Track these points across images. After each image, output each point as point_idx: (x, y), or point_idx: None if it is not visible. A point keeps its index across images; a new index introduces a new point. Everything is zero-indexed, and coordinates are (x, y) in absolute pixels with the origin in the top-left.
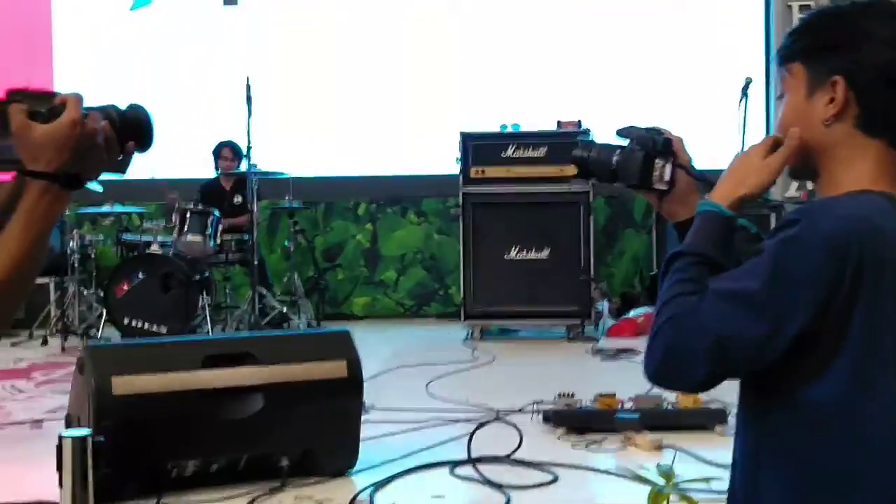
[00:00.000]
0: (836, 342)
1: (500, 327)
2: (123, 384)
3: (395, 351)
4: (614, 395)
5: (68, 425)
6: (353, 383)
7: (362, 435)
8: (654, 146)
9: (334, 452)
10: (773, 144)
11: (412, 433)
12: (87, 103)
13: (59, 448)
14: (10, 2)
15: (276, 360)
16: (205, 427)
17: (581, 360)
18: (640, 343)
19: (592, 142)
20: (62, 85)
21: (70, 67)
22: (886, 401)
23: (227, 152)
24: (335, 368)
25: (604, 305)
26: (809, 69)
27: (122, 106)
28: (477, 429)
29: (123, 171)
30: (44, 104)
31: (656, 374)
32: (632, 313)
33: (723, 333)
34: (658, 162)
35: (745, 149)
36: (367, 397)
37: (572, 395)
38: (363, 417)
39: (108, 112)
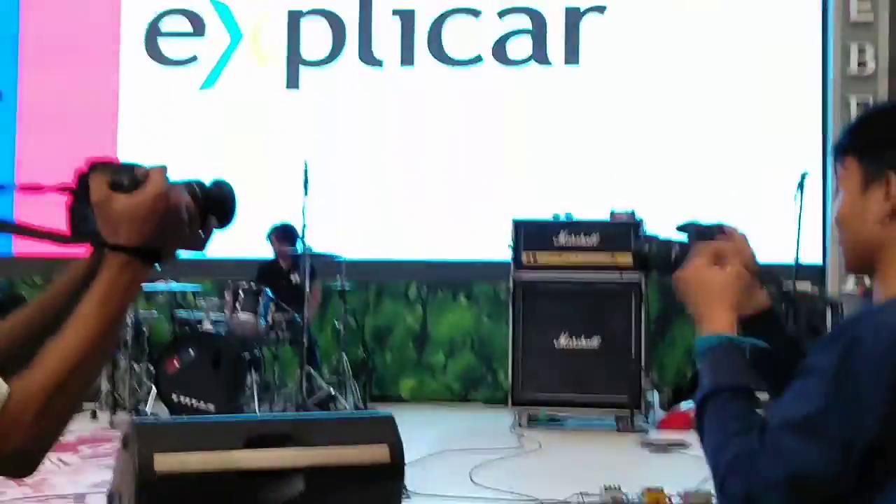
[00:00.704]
0: None
1: (547, 415)
2: (166, 461)
3: (441, 435)
4: (662, 489)
5: (110, 502)
6: (394, 468)
7: None
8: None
9: None
10: (715, 254)
11: None
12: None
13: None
14: (79, 78)
15: (318, 442)
16: None
17: (630, 451)
18: (691, 436)
19: (653, 235)
20: (127, 158)
21: (134, 144)
22: None
23: (275, 238)
24: (377, 453)
25: (654, 396)
26: (864, 164)
27: (206, 180)
28: None
29: (202, 248)
30: (126, 175)
31: None
32: (683, 405)
33: (795, 472)
34: None
35: (686, 270)
36: (409, 482)
37: (619, 488)
38: (404, 503)
39: (192, 187)
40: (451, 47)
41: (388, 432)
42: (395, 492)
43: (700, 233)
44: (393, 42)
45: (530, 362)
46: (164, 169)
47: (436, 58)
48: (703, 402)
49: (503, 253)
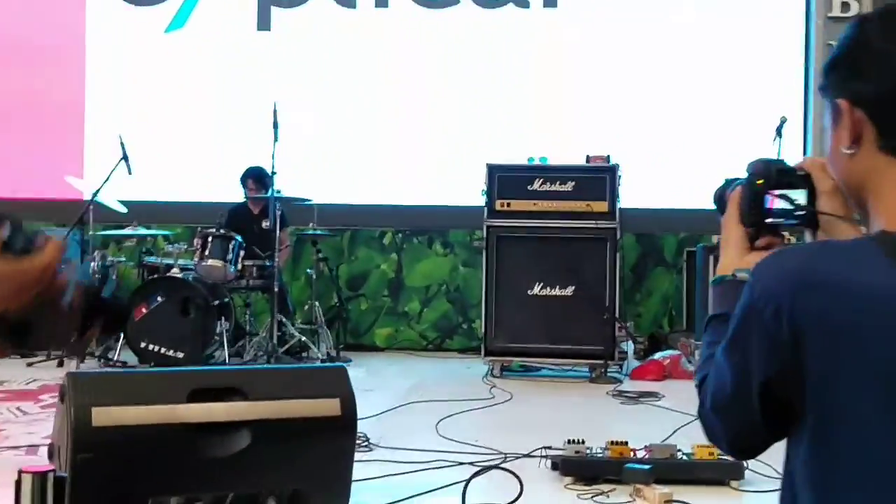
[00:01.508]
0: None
1: (521, 364)
2: (103, 415)
3: (413, 385)
4: (626, 442)
5: (50, 455)
6: (346, 422)
7: (363, 474)
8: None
9: (325, 494)
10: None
11: (414, 475)
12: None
13: (18, 485)
14: (44, 21)
15: (265, 395)
16: (189, 463)
17: (601, 402)
18: (665, 386)
19: (736, 179)
20: (93, 105)
21: (102, 86)
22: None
23: (251, 183)
24: (328, 406)
25: (629, 346)
26: (827, 100)
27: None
28: (474, 476)
29: (75, 353)
30: (22, 238)
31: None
32: (658, 355)
33: (714, 402)
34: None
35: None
36: (375, 433)
37: (582, 442)
38: (367, 455)
39: (86, 287)
40: None
41: (340, 385)
42: (346, 446)
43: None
44: None
45: (503, 311)
46: (63, 245)
47: None
48: (706, 324)
49: (480, 199)
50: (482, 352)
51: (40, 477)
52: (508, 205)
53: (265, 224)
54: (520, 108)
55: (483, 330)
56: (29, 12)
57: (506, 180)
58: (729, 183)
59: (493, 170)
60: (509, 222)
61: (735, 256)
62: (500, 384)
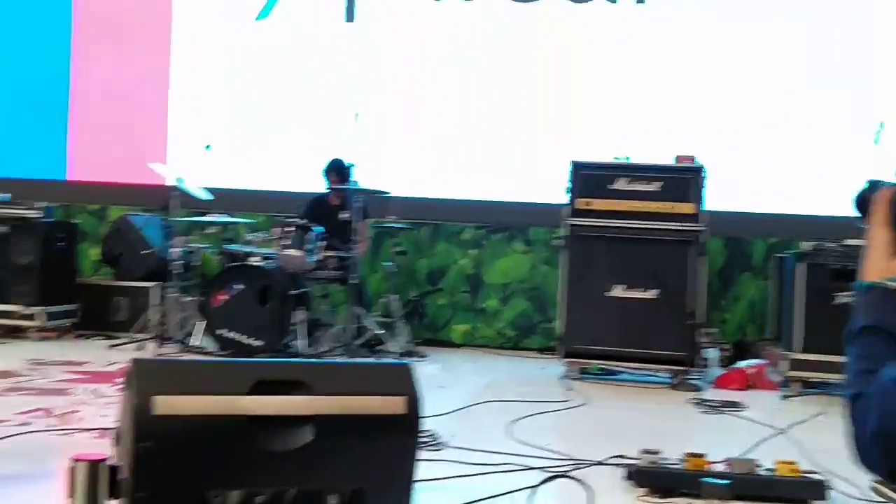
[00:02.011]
0: None
1: (600, 367)
2: (166, 403)
3: (488, 383)
4: (704, 455)
5: (116, 441)
6: (410, 421)
7: (430, 473)
8: None
9: (387, 494)
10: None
11: (481, 477)
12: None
13: (72, 473)
14: (131, 8)
15: (330, 390)
16: (250, 456)
17: (680, 410)
18: (749, 397)
19: (879, 181)
20: (178, 92)
21: (187, 73)
22: None
23: (334, 175)
24: (393, 404)
25: (712, 353)
26: None
27: None
28: (542, 483)
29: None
30: None
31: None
32: (743, 364)
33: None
34: None
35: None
36: (446, 432)
37: (657, 452)
38: (435, 454)
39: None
40: None
41: (406, 383)
42: (410, 446)
43: None
44: None
45: (582, 312)
46: None
47: None
48: (844, 340)
49: (564, 196)
50: (559, 352)
51: (93, 465)
52: (590, 203)
53: (345, 216)
54: (606, 105)
55: (560, 330)
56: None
57: (589, 178)
58: (872, 185)
59: (577, 167)
60: (591, 221)
61: (881, 261)
62: (577, 387)
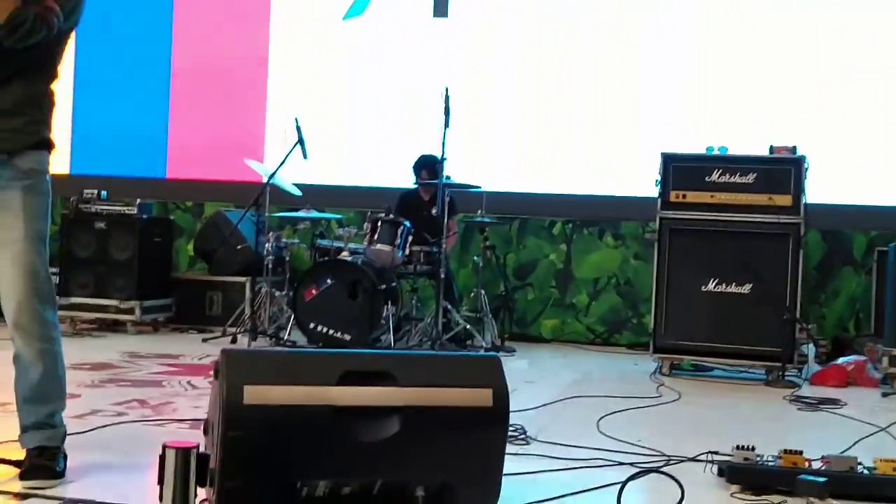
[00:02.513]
0: None
1: (692, 363)
2: (255, 393)
3: (577, 379)
4: (801, 452)
5: (206, 431)
6: (498, 414)
7: (517, 468)
8: None
9: (474, 487)
10: None
11: (570, 472)
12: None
13: (162, 459)
14: (229, 5)
15: (417, 381)
16: (338, 447)
17: (776, 407)
18: (847, 394)
19: None
20: (274, 89)
21: (282, 70)
22: None
23: (424, 172)
24: (480, 396)
25: (810, 349)
26: None
27: None
28: (631, 478)
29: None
30: None
31: None
32: (841, 360)
33: None
34: None
35: None
36: (534, 427)
37: (752, 448)
38: (524, 448)
39: None
40: None
41: (493, 375)
42: (497, 439)
43: None
44: None
45: (675, 307)
46: None
47: None
48: None
49: (654, 190)
50: (651, 348)
51: (183, 452)
52: (684, 196)
53: (434, 211)
54: (697, 95)
55: (653, 326)
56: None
57: (682, 170)
58: None
59: (668, 159)
60: (684, 214)
61: None
62: (668, 383)
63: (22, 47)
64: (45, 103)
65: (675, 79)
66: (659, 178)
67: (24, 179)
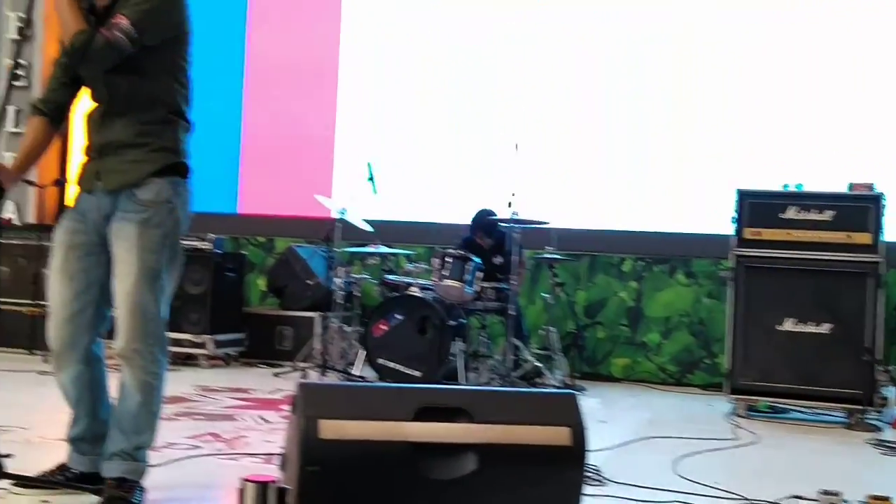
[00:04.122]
0: None
1: (769, 405)
2: (331, 428)
3: (650, 419)
4: (888, 498)
5: (282, 465)
6: (576, 453)
7: None
8: None
9: None
10: None
11: None
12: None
13: (241, 493)
14: (301, 44)
15: (494, 418)
16: (413, 483)
17: (858, 451)
18: None
19: None
20: (344, 126)
21: (352, 107)
22: None
23: (480, 233)
24: (558, 434)
25: (892, 391)
26: None
27: None
28: None
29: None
30: None
31: None
32: None
33: None
34: None
35: None
36: (608, 467)
37: (837, 494)
38: (599, 490)
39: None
40: None
41: (571, 413)
42: (575, 479)
43: None
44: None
45: (751, 347)
46: None
47: None
48: None
49: (727, 227)
50: (726, 389)
51: (262, 487)
52: (759, 233)
53: (497, 260)
54: (772, 130)
55: (728, 365)
56: (288, 37)
57: (757, 207)
58: None
59: (743, 196)
60: (760, 252)
61: None
62: (744, 424)
63: (100, 71)
64: (165, 129)
65: (747, 112)
66: (734, 215)
67: (142, 212)
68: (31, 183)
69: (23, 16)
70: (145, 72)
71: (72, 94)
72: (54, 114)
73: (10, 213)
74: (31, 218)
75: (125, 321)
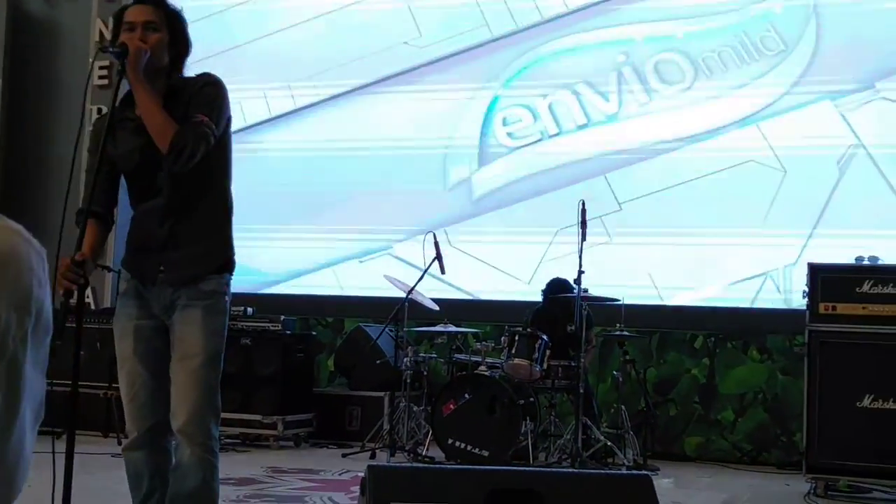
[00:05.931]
0: None
1: (848, 484)
2: None
3: (726, 500)
4: None
5: None
6: None
7: None
8: None
9: None
10: None
11: None
12: None
13: None
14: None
15: (566, 501)
16: None
17: None
18: None
19: None
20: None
21: (416, 183)
22: None
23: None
24: None
25: None
26: None
27: None
28: None
29: None
30: None
31: None
32: None
33: None
34: None
35: None
36: None
37: None
38: None
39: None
40: None
41: (646, 495)
42: None
43: None
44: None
45: (829, 424)
46: None
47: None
48: None
49: (799, 301)
50: (804, 468)
51: None
52: (834, 308)
53: (570, 328)
54: (842, 201)
55: (805, 443)
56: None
57: (830, 281)
58: None
59: (815, 270)
60: (835, 327)
61: None
62: None
63: (188, 169)
64: (225, 225)
65: (815, 181)
66: (806, 289)
67: (206, 299)
68: (106, 268)
69: (103, 108)
70: (207, 166)
71: (116, 196)
72: (108, 215)
73: (86, 298)
74: (107, 302)
75: (190, 398)
